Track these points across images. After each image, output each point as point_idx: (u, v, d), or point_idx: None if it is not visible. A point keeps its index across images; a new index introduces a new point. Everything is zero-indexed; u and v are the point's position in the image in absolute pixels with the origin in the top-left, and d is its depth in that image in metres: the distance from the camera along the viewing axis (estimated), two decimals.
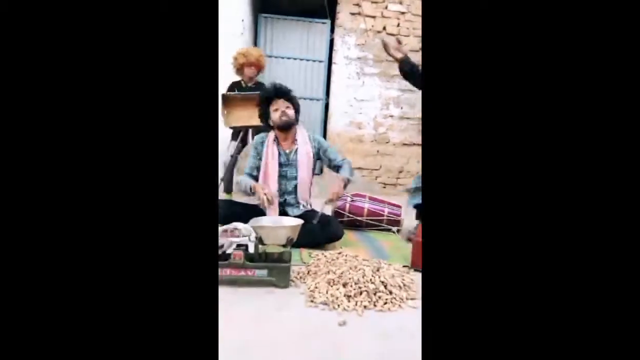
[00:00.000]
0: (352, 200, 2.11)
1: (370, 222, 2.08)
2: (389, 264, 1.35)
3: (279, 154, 1.76)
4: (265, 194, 1.61)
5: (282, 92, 1.75)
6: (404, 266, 1.38)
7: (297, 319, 0.95)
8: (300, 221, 1.38)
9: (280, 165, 1.74)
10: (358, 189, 2.66)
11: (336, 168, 1.79)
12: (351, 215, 2.07)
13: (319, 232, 1.55)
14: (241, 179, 1.76)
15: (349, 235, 1.86)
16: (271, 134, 1.79)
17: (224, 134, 2.58)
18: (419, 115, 3.65)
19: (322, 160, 1.84)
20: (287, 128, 1.75)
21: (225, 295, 1.03)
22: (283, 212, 1.73)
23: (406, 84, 3.75)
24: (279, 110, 1.71)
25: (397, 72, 3.87)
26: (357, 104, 3.07)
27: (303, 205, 1.76)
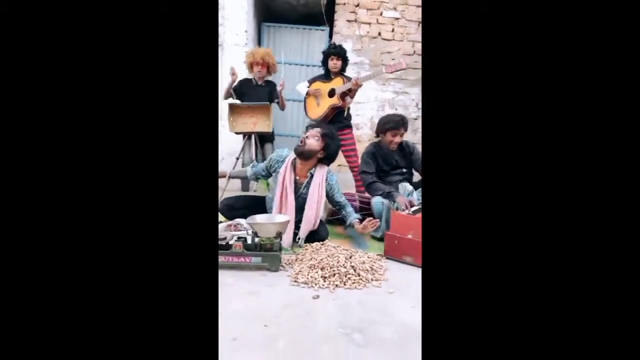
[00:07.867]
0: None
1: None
2: (365, 252, 1.61)
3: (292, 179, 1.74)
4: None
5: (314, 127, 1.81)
6: (377, 254, 1.64)
7: (282, 294, 1.23)
8: (288, 217, 1.65)
9: None
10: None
11: (338, 207, 1.89)
12: None
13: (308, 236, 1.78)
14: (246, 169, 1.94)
15: (339, 229, 2.13)
16: (291, 156, 1.78)
17: (230, 137, 2.86)
18: (413, 115, 3.85)
19: (328, 200, 1.88)
20: (300, 157, 1.73)
21: (227, 278, 1.31)
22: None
23: (400, 87, 3.92)
24: (305, 137, 1.73)
25: (392, 76, 4.07)
26: (354, 105, 3.30)
27: (299, 238, 1.70)
